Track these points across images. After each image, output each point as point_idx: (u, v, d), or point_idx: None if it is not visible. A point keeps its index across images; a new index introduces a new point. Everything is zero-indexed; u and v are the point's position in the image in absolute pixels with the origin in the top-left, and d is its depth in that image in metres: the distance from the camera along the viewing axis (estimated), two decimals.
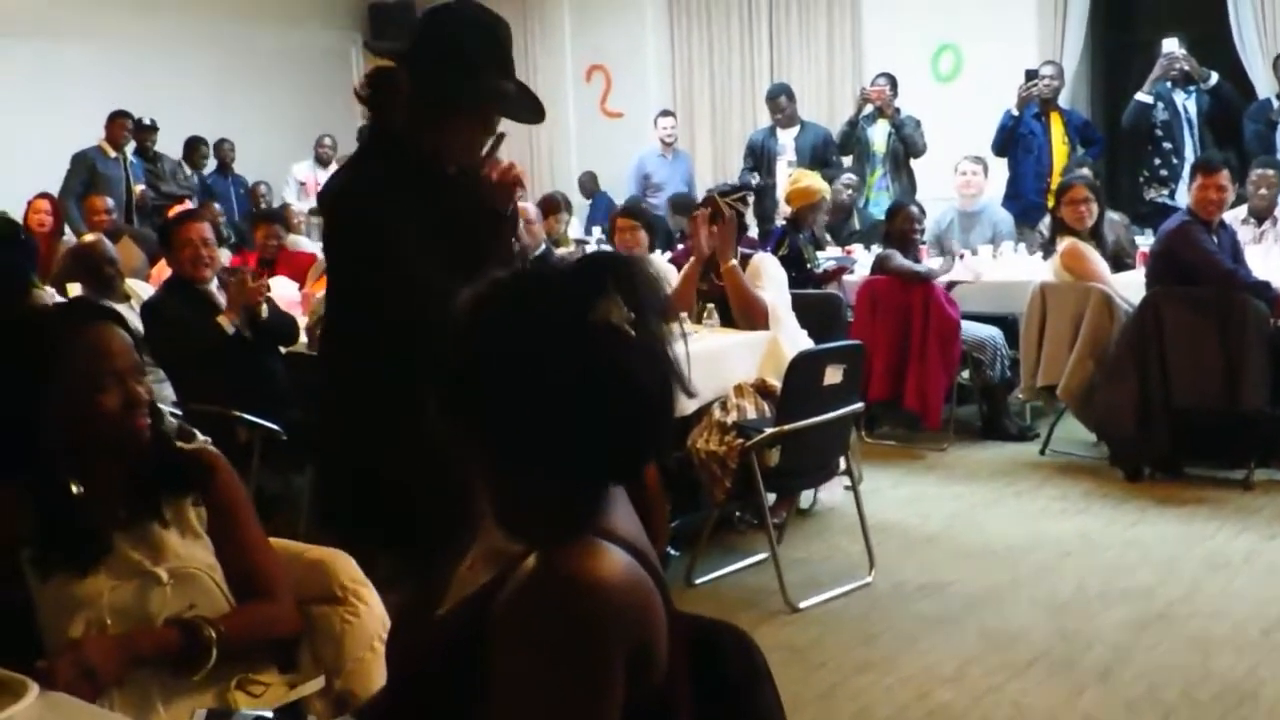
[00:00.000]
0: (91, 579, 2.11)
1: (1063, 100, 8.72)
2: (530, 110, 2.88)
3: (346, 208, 2.85)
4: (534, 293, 1.50)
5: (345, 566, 2.35)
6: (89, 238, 6.15)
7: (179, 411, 4.35)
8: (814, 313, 5.54)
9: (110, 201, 8.58)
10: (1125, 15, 10.02)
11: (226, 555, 2.23)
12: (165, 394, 5.04)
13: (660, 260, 6.38)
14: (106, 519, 2.16)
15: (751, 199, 5.73)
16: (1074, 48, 9.62)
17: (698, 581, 4.66)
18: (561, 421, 1.42)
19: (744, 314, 5.14)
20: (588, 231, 9.78)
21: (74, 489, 2.15)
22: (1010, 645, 4.04)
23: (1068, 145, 8.48)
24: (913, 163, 9.03)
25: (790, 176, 7.51)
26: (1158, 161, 8.31)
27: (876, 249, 7.29)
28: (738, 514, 5.19)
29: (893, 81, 8.95)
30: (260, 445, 4.91)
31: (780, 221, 7.42)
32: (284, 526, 3.65)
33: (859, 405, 4.73)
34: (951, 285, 6.70)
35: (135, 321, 4.82)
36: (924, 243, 7.07)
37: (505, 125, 2.91)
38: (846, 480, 5.09)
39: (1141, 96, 8.25)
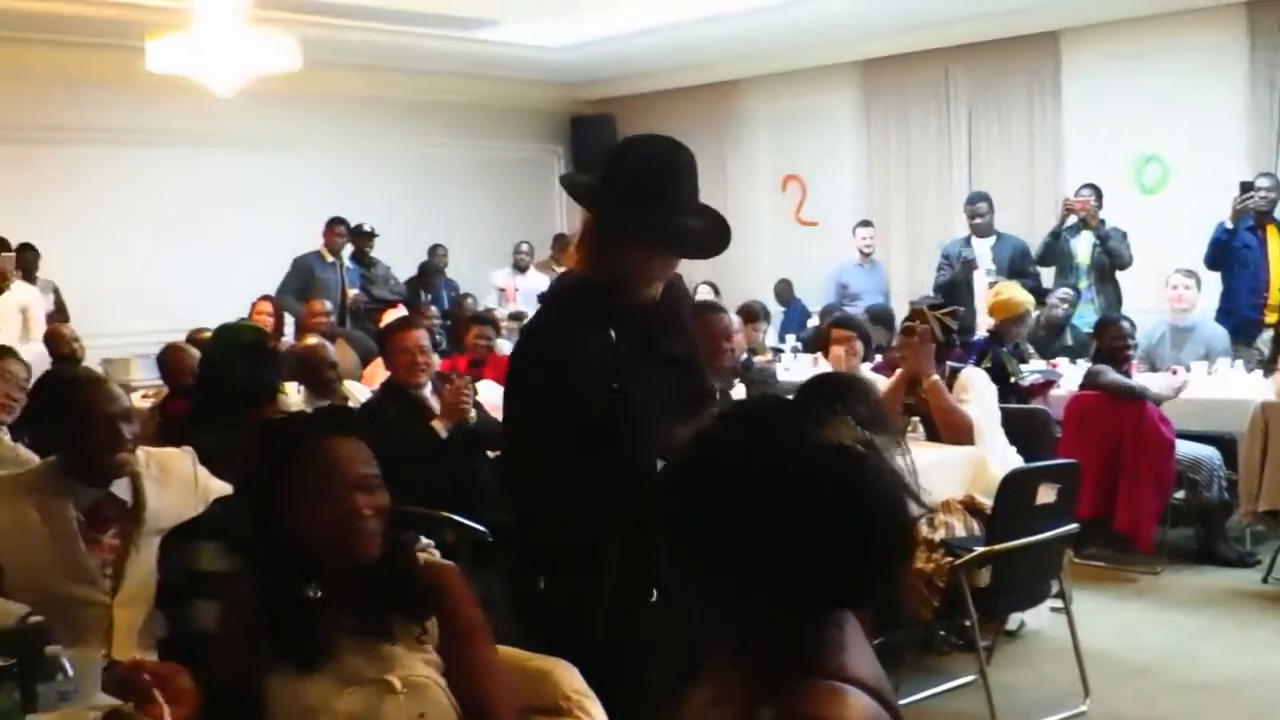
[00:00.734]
0: (317, 682, 2.17)
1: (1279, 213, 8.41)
2: (708, 243, 2.87)
3: (525, 345, 2.93)
4: (766, 420, 1.50)
5: (569, 677, 2.37)
6: (311, 340, 6.42)
7: None
8: (1020, 428, 5.42)
9: (328, 304, 8.96)
10: None
11: (456, 674, 2.24)
12: None
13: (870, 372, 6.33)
14: (334, 624, 2.21)
15: (961, 312, 5.67)
16: None
17: (901, 703, 4.53)
18: (797, 550, 1.41)
19: (948, 429, 5.07)
20: (781, 339, 9.79)
21: (310, 592, 2.22)
22: None
23: None
24: (1118, 275, 8.80)
25: (993, 289, 7.40)
26: None
27: (1082, 362, 7.11)
28: (941, 634, 5.06)
29: (1097, 193, 8.78)
30: (468, 548, 4.99)
31: (982, 334, 7.30)
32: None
33: (1073, 526, 4.59)
34: (1160, 402, 6.47)
35: None
36: (1135, 358, 6.86)
37: None
38: (1053, 602, 4.93)
39: None
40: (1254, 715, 4.43)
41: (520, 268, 11.49)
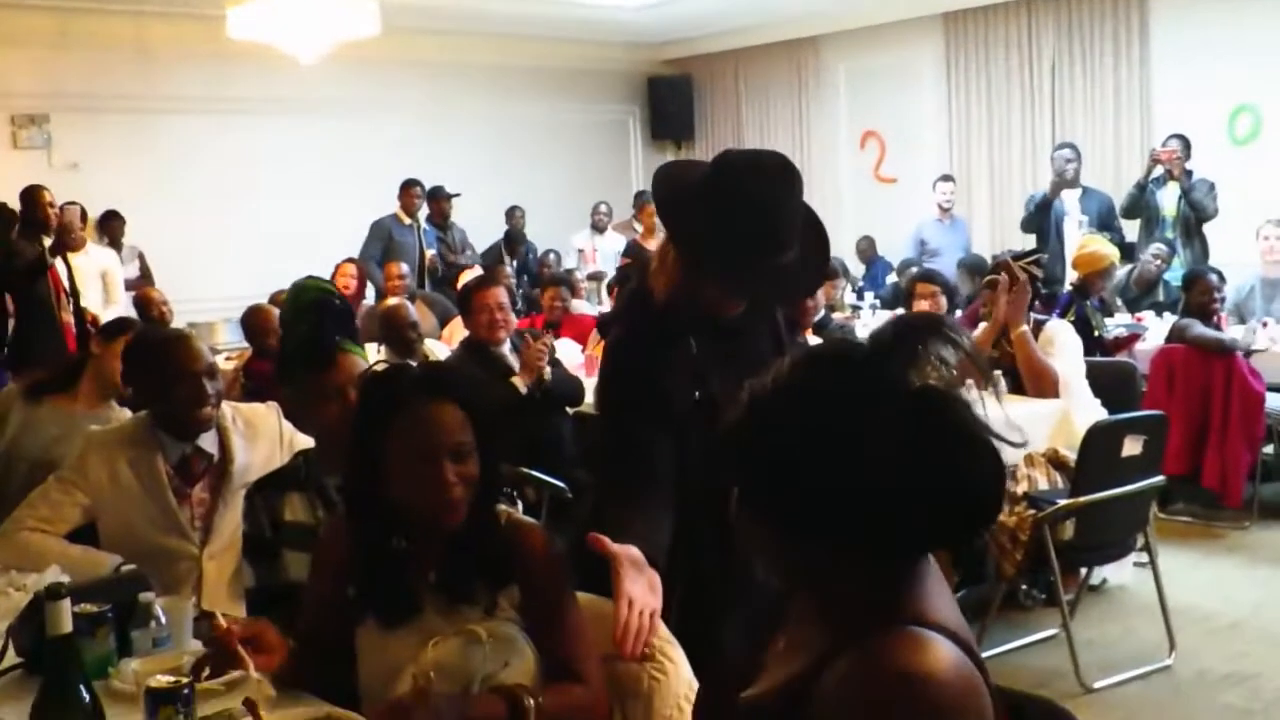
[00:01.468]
0: (401, 638, 2.20)
1: None
2: (797, 288, 2.77)
3: (607, 363, 2.84)
4: (849, 364, 1.48)
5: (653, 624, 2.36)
6: (392, 302, 6.49)
7: None
8: (1106, 381, 5.34)
9: (405, 267, 9.04)
10: None
11: (540, 636, 2.24)
12: None
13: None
14: (419, 580, 2.24)
15: (1045, 260, 5.58)
16: None
17: (984, 655, 4.51)
18: (879, 496, 1.39)
19: (1034, 382, 5.01)
20: (860, 297, 9.71)
21: (396, 543, 2.25)
22: None
23: None
24: (1206, 227, 8.61)
25: (1080, 242, 7.28)
26: None
27: (1169, 316, 6.98)
28: (1024, 588, 5.01)
29: (1185, 144, 8.58)
30: (548, 503, 5.04)
31: (1067, 288, 7.19)
32: None
33: (1160, 479, 4.51)
34: (1250, 354, 6.33)
35: None
36: (1224, 311, 6.72)
37: None
38: (1137, 557, 4.86)
39: None
40: None
41: (599, 229, 11.49)
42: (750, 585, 2.05)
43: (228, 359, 7.01)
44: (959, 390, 1.45)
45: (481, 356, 5.37)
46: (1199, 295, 6.35)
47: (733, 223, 2.48)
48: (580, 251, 11.19)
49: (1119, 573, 5.14)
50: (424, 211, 10.25)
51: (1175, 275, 8.02)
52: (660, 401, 2.61)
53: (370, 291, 9.30)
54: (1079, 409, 4.86)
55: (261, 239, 10.37)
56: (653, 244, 9.92)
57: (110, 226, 9.71)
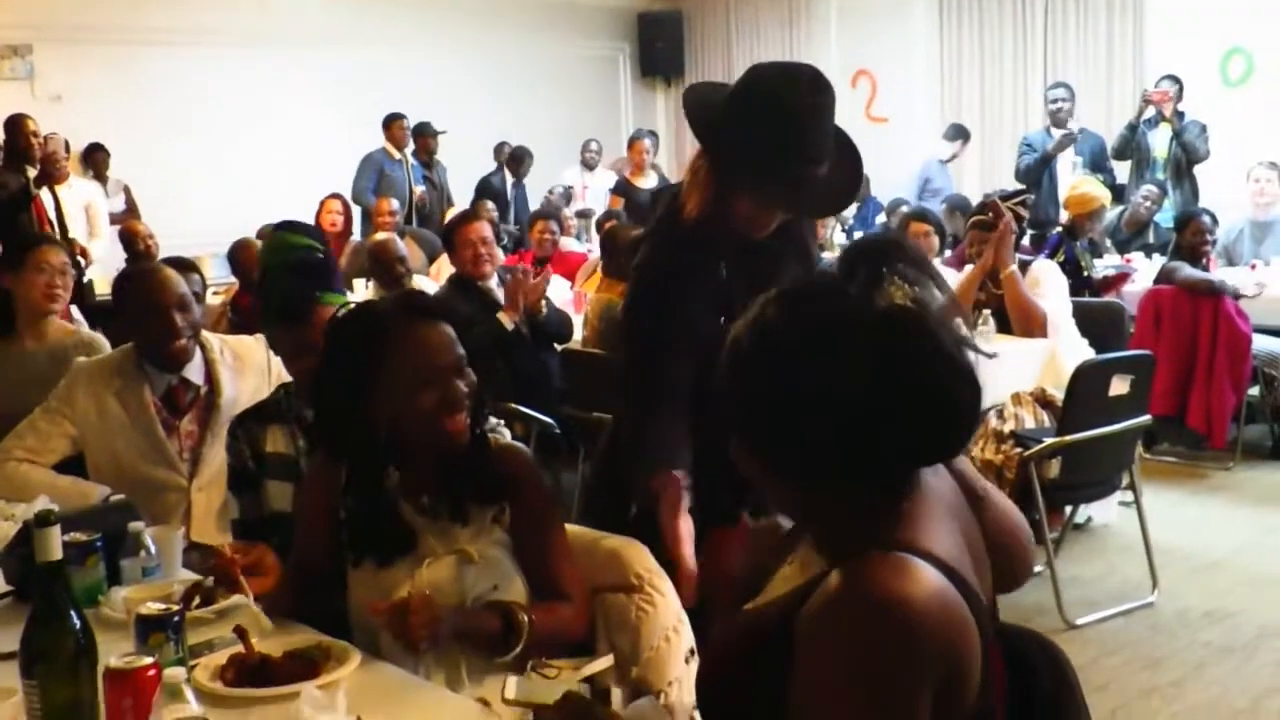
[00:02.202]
0: (396, 566, 2.21)
1: None
2: (832, 200, 2.74)
3: (636, 284, 2.81)
4: (812, 296, 1.50)
5: (640, 557, 2.38)
6: (381, 237, 6.47)
7: None
8: (1094, 322, 5.34)
9: (395, 203, 8.96)
10: None
11: (526, 553, 2.26)
12: None
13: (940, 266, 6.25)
14: (414, 510, 2.24)
15: (1032, 201, 5.57)
16: None
17: None
18: (862, 420, 1.40)
19: (1022, 322, 5.01)
20: (850, 237, 9.68)
21: (389, 478, 2.24)
22: None
23: None
24: (1196, 170, 8.59)
25: (1071, 184, 7.27)
26: None
27: (1158, 258, 6.98)
28: None
29: (1178, 85, 8.54)
30: (536, 439, 5.05)
31: (1057, 229, 7.18)
32: None
33: (1146, 418, 4.53)
34: (1237, 298, 6.35)
35: None
36: (1213, 254, 6.72)
37: None
38: (1121, 496, 4.89)
39: None
40: None
41: (589, 166, 11.42)
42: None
43: (214, 294, 6.98)
44: (925, 306, 1.45)
45: (468, 292, 5.34)
46: (1191, 236, 6.34)
47: (767, 131, 2.47)
48: (569, 189, 11.12)
49: (1104, 511, 5.17)
50: (411, 146, 10.16)
51: (1166, 217, 8.02)
52: (684, 326, 2.60)
53: (357, 227, 9.23)
54: (1066, 349, 4.87)
55: (248, 173, 10.28)
56: (643, 181, 9.87)
57: (94, 159, 9.62)
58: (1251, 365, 6.11)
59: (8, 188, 7.00)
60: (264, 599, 2.20)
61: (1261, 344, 6.17)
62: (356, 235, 8.92)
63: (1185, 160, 8.53)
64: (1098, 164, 8.84)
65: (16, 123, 7.22)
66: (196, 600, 2.22)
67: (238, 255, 6.46)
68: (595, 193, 10.95)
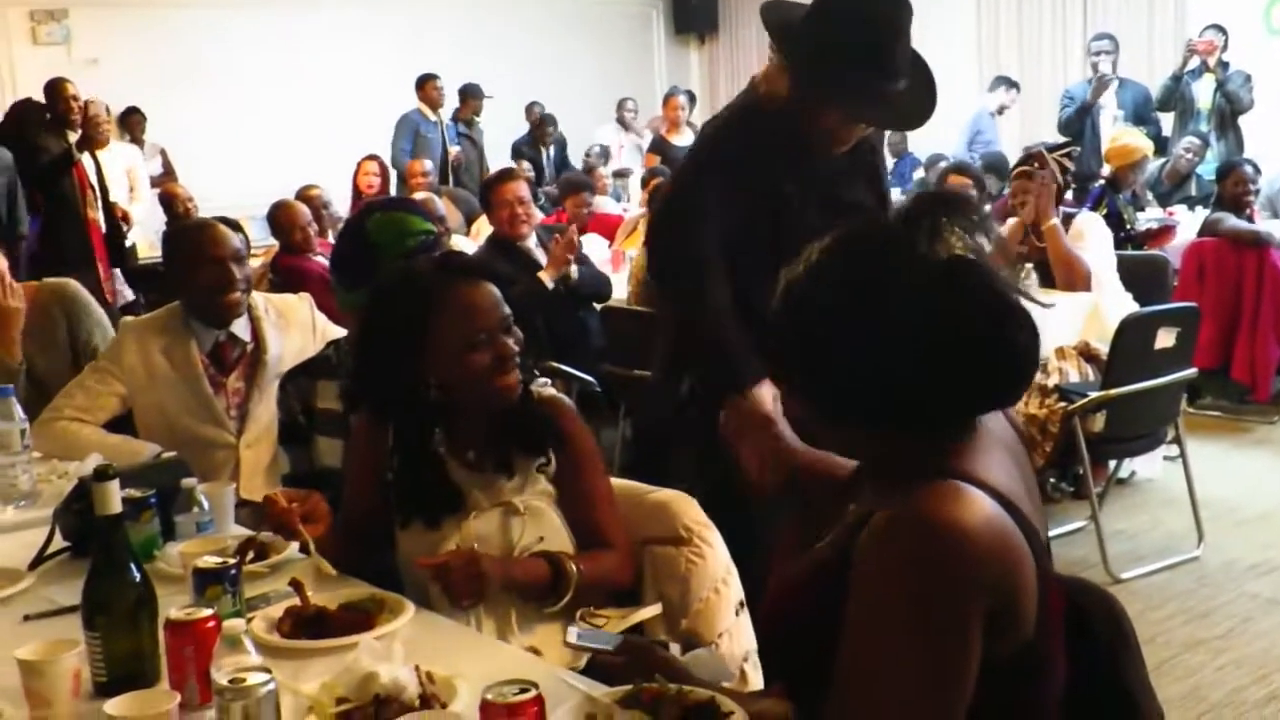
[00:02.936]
0: (444, 527, 2.23)
1: None
2: (912, 114, 2.70)
3: (706, 144, 2.80)
4: (872, 242, 1.50)
5: (688, 509, 2.38)
6: (419, 197, 6.46)
7: None
8: (1137, 275, 5.28)
9: (429, 164, 8.97)
10: None
11: (570, 503, 2.28)
12: None
13: None
14: (460, 467, 2.25)
15: (1078, 153, 5.51)
16: None
17: None
18: (921, 366, 1.40)
19: (1065, 275, 4.96)
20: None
21: (437, 445, 2.24)
22: None
23: None
24: (1241, 120, 8.46)
25: (1113, 135, 7.18)
26: None
27: (1201, 210, 6.89)
28: (1053, 480, 5.02)
29: (1223, 34, 8.40)
30: (576, 398, 5.05)
31: (1099, 182, 7.10)
32: None
33: (1191, 371, 4.49)
34: None
35: None
36: (1256, 205, 6.63)
37: None
38: (1166, 450, 4.86)
39: None
40: None
41: (625, 125, 11.37)
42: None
43: (254, 255, 7.00)
44: (983, 255, 1.45)
45: (507, 251, 5.34)
46: (1233, 186, 6.26)
47: (856, 43, 2.50)
48: (605, 147, 11.08)
49: (1148, 465, 5.14)
50: (446, 108, 10.14)
51: (1208, 169, 7.90)
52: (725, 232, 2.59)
53: (394, 188, 9.24)
54: (1110, 302, 4.82)
55: (285, 134, 10.30)
56: (678, 139, 9.81)
57: (131, 122, 9.67)
58: None
59: (49, 151, 7.04)
60: (316, 551, 2.21)
61: None
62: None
63: (1230, 111, 8.41)
64: (1141, 115, 8.72)
65: (55, 86, 7.24)
66: (250, 554, 2.24)
67: (278, 216, 6.45)
68: (631, 151, 10.91)
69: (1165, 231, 6.65)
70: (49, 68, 8.51)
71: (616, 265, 6.21)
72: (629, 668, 1.71)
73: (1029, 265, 5.03)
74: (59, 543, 2.37)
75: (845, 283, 1.46)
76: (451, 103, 10.22)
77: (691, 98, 10.81)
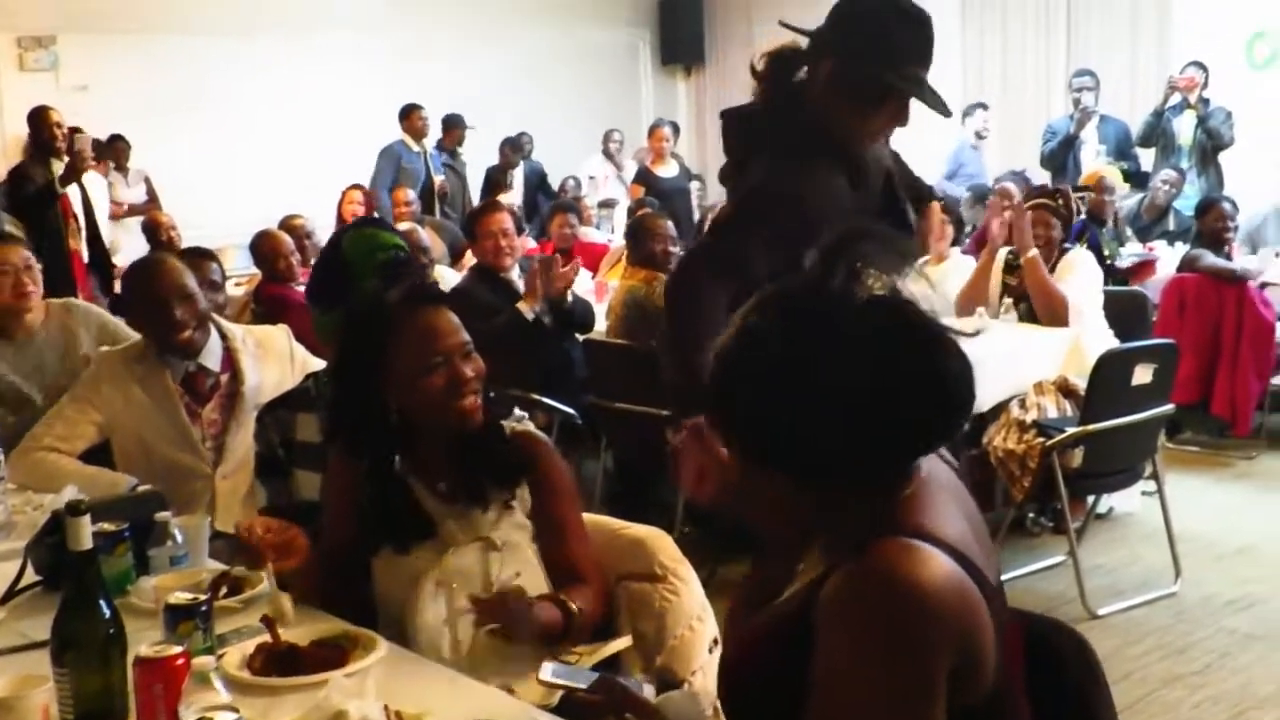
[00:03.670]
0: (416, 554, 2.23)
1: None
2: (943, 103, 2.73)
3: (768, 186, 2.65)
4: (792, 298, 1.48)
5: (664, 545, 2.39)
6: (403, 227, 6.46)
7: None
8: (1118, 310, 5.32)
9: (412, 194, 8.97)
10: None
11: (545, 538, 2.29)
12: None
13: (960, 257, 6.16)
14: (430, 496, 2.25)
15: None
16: None
17: None
18: (855, 414, 1.40)
19: (1044, 308, 5.00)
20: None
21: (403, 465, 2.26)
22: None
23: None
24: (1221, 156, 8.53)
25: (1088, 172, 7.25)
26: None
27: (1181, 245, 6.94)
28: (1031, 515, 5.04)
29: (1204, 71, 8.48)
30: (558, 430, 5.05)
31: (1080, 217, 7.15)
32: None
33: (1169, 407, 4.51)
34: (1264, 286, 6.32)
35: None
36: (1236, 240, 6.67)
37: None
38: (1144, 485, 4.88)
39: None
40: None
41: (611, 156, 11.41)
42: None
43: (237, 284, 7.00)
44: (902, 291, 1.45)
45: (491, 281, 5.36)
46: (1212, 221, 6.31)
47: (899, 30, 2.57)
48: (591, 178, 11.12)
49: (1126, 501, 5.15)
50: (430, 138, 10.16)
51: (1186, 204, 7.96)
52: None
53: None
54: (1090, 337, 4.85)
55: (271, 163, 10.30)
56: (663, 170, 9.84)
57: (115, 149, 9.65)
58: (1276, 353, 6.08)
59: (34, 181, 7.02)
60: (292, 586, 2.21)
61: None
62: None
63: (1211, 147, 8.47)
64: (1122, 151, 8.79)
65: (41, 115, 7.24)
66: (224, 589, 2.24)
67: (261, 245, 6.45)
68: (615, 182, 10.94)
69: (1146, 266, 6.69)
70: (38, 94, 8.51)
71: (600, 296, 6.22)
72: (603, 707, 1.71)
73: (1009, 300, 5.07)
74: (31, 576, 2.36)
75: (776, 339, 1.44)
76: (435, 133, 10.24)
77: (676, 129, 10.85)
